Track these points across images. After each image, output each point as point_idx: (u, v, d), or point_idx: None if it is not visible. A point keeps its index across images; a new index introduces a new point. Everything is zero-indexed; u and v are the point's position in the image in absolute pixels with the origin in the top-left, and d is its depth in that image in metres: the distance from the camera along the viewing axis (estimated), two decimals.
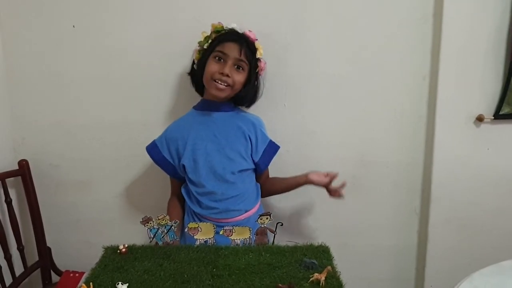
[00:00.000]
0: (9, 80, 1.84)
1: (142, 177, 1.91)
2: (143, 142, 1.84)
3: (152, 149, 1.65)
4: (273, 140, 1.67)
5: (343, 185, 1.63)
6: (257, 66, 1.58)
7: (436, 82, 1.77)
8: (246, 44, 1.53)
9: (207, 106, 1.62)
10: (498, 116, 1.78)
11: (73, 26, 1.78)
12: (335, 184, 1.64)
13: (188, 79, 1.70)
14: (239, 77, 1.54)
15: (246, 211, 1.61)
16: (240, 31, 1.56)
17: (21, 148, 1.90)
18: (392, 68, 1.80)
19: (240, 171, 1.59)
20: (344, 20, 1.77)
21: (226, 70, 1.51)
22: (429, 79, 1.81)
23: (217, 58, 1.53)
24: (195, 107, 1.67)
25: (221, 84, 1.53)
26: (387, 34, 1.77)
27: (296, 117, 1.84)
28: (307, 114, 1.84)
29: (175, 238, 1.36)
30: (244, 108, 1.71)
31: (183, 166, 1.60)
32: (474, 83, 1.77)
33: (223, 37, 1.54)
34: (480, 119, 1.78)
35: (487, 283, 1.33)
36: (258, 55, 1.57)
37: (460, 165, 1.84)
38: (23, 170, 1.83)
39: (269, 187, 1.73)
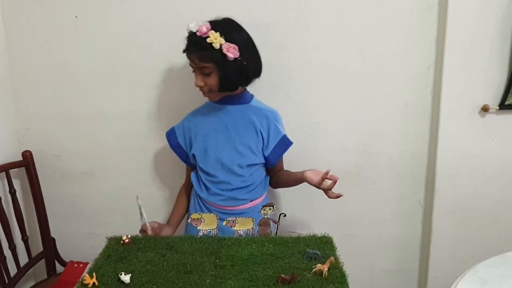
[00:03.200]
0: (12, 72, 1.84)
1: (145, 168, 1.92)
2: (146, 133, 1.85)
3: (170, 135, 1.67)
4: None
5: (334, 181, 1.48)
6: (223, 55, 1.44)
7: (441, 72, 1.75)
8: (195, 47, 1.46)
9: (222, 99, 1.60)
10: (504, 106, 1.76)
11: (76, 17, 1.78)
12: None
13: (190, 69, 1.69)
14: (211, 80, 1.49)
15: (251, 201, 1.62)
16: (194, 29, 1.46)
17: (25, 139, 1.91)
18: (397, 58, 1.79)
19: (249, 165, 1.59)
20: (348, 10, 1.75)
21: (196, 83, 1.51)
22: (434, 69, 1.79)
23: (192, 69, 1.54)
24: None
25: (204, 93, 1.55)
26: (392, 23, 1.76)
27: (300, 107, 1.83)
28: (311, 105, 1.83)
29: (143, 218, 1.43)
30: (264, 100, 1.69)
31: (194, 155, 1.61)
32: (479, 73, 1.75)
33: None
34: (485, 109, 1.76)
35: (491, 274, 1.32)
36: (216, 46, 1.43)
37: (464, 156, 1.83)
38: (27, 161, 1.83)
39: (276, 180, 1.72)
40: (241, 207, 1.61)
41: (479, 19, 1.70)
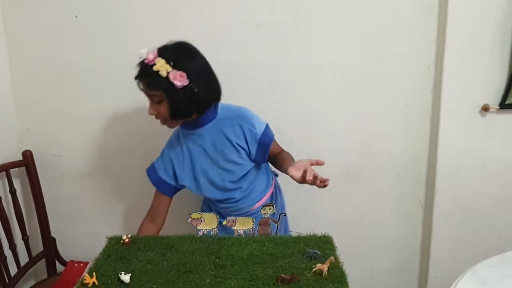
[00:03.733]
0: (13, 71, 1.85)
1: (145, 167, 1.90)
2: (146, 133, 1.85)
3: (151, 172, 1.63)
4: (274, 130, 1.62)
5: (314, 177, 1.39)
6: (170, 83, 1.38)
7: (441, 71, 1.75)
8: (143, 75, 1.42)
9: (188, 125, 1.56)
10: (504, 105, 1.76)
11: (76, 16, 1.78)
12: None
13: None
14: (162, 108, 1.44)
15: (257, 201, 1.63)
16: (144, 57, 1.41)
17: (25, 138, 1.91)
18: (397, 58, 1.78)
19: (240, 178, 1.58)
20: (349, 10, 1.75)
21: (149, 111, 1.46)
22: (434, 68, 1.79)
23: None
24: (180, 125, 1.59)
25: (160, 122, 1.50)
26: (392, 23, 1.76)
27: (300, 107, 1.83)
28: (311, 105, 1.83)
29: None
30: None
31: (184, 186, 1.60)
32: (480, 72, 1.74)
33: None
34: (485, 108, 1.76)
35: (491, 273, 1.32)
36: (163, 74, 1.37)
37: (465, 156, 1.83)
38: (27, 161, 1.83)
39: (276, 163, 1.66)
40: (250, 210, 1.62)
41: (480, 19, 1.70)
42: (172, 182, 1.61)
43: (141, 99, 1.83)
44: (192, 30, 1.66)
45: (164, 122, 1.50)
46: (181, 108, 1.44)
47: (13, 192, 1.78)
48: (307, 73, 1.80)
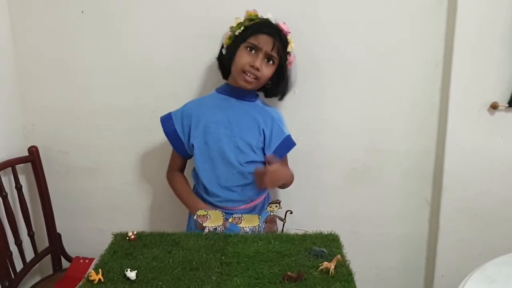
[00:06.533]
0: (19, 67, 1.84)
1: (151, 163, 1.91)
2: (152, 129, 1.84)
3: (166, 121, 1.63)
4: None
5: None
6: (286, 59, 1.56)
7: (450, 69, 1.73)
8: (279, 38, 1.50)
9: (229, 91, 1.60)
10: None
11: (82, 12, 1.77)
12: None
13: (196, 65, 1.68)
14: (268, 71, 1.53)
15: (251, 201, 1.62)
16: (274, 22, 1.53)
17: (31, 134, 1.91)
18: (405, 54, 1.77)
19: (249, 162, 1.58)
20: (356, 5, 1.74)
21: (257, 64, 1.48)
22: (443, 66, 1.78)
23: (249, 49, 1.50)
24: (217, 90, 1.64)
25: (249, 76, 1.51)
26: (400, 19, 1.74)
27: (306, 104, 1.82)
28: (318, 102, 1.82)
29: None
30: (266, 100, 1.68)
31: (193, 145, 1.59)
32: (489, 70, 1.73)
33: (257, 28, 1.50)
34: (494, 106, 1.75)
35: (499, 273, 1.32)
36: (289, 49, 1.54)
37: (473, 154, 1.81)
38: (33, 157, 1.83)
39: None
40: (240, 208, 1.60)
41: (489, 15, 1.68)
42: (183, 138, 1.61)
43: (146, 96, 1.84)
44: (198, 27, 1.66)
45: (253, 80, 1.53)
46: (279, 80, 1.60)
47: (19, 188, 1.78)
48: (314, 70, 1.79)
